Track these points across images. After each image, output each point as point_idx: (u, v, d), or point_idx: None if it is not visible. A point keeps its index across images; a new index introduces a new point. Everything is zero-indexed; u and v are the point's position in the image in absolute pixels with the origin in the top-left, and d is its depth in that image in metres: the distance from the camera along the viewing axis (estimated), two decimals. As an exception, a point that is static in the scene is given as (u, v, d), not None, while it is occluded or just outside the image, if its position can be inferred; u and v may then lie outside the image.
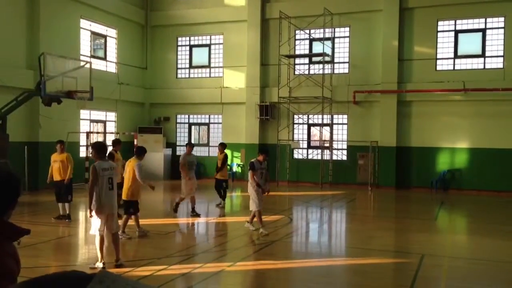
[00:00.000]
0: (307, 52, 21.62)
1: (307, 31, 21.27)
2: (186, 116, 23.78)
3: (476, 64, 19.28)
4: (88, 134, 19.74)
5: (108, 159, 8.27)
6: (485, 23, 19.10)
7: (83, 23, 20.30)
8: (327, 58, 20.69)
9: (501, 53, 18.83)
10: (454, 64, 19.55)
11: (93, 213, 7.57)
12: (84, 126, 20.38)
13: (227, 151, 15.45)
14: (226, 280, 7.58)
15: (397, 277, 7.89)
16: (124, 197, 9.67)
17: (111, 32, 22.08)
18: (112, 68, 22.14)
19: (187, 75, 23.80)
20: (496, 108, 18.65)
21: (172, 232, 10.97)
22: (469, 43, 19.57)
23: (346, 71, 20.95)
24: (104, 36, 21.79)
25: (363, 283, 7.37)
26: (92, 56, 20.66)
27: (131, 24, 23.03)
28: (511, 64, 18.55)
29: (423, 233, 11.09)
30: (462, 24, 19.44)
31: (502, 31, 18.81)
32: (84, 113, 20.31)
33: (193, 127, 23.82)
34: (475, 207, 16.00)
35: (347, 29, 20.92)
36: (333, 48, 21.04)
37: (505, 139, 18.49)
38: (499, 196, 17.85)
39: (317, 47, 21.29)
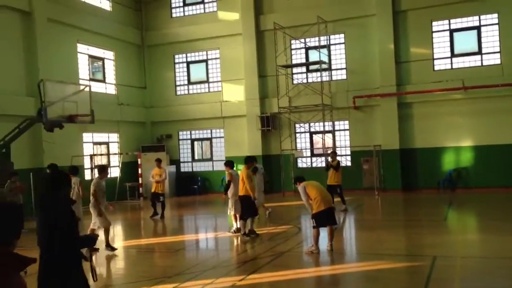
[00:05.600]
0: (303, 61, 21.70)
1: (303, 40, 21.37)
2: (188, 132, 23.83)
3: (473, 61, 19.30)
4: (91, 156, 19.79)
5: None
6: (479, 20, 19.16)
7: (80, 47, 20.46)
8: (324, 66, 20.75)
9: (498, 49, 18.85)
10: (451, 63, 19.56)
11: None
12: (88, 149, 20.43)
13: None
14: (238, 294, 7.53)
15: (410, 281, 7.81)
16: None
17: (109, 54, 22.24)
18: (111, 89, 22.26)
19: (186, 92, 23.89)
20: (497, 104, 18.61)
21: (182, 249, 10.92)
22: (465, 41, 19.62)
23: (344, 77, 20.99)
24: (102, 59, 21.95)
25: (376, 289, 7.30)
26: (91, 79, 20.80)
27: (127, 45, 23.20)
28: (508, 59, 18.57)
29: (433, 235, 11.00)
30: (457, 23, 19.50)
31: (496, 27, 18.85)
32: (86, 136, 20.40)
33: (195, 142, 23.86)
34: (483, 205, 15.89)
35: (342, 35, 21.00)
36: (329, 55, 21.11)
37: (508, 135, 18.43)
38: (507, 192, 17.73)
39: (314, 55, 21.36)
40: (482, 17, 19.09)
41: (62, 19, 19.13)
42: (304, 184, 9.75)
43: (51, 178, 4.50)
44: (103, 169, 10.79)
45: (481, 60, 19.19)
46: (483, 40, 19.14)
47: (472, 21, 19.28)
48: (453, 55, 19.55)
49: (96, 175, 11.20)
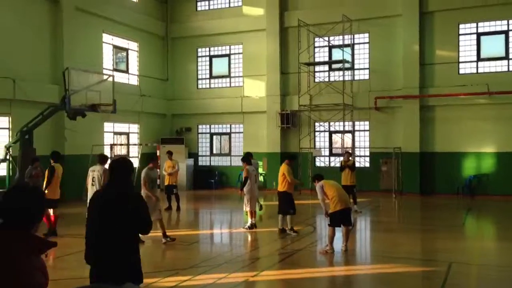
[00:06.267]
0: (326, 59, 21.57)
1: (326, 38, 21.24)
2: (208, 126, 23.92)
3: (500, 66, 18.94)
4: (112, 146, 20.02)
5: None
6: (508, 25, 18.78)
7: (106, 37, 20.68)
8: (347, 65, 20.60)
9: (526, 55, 18.46)
10: (477, 67, 19.23)
11: None
12: (108, 139, 20.68)
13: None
14: (251, 290, 7.55)
15: (424, 286, 7.74)
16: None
17: (133, 45, 22.43)
18: (134, 80, 22.47)
19: (207, 86, 23.97)
20: (522, 111, 18.26)
21: (196, 243, 10.99)
22: (492, 45, 19.25)
23: (367, 77, 20.81)
24: (126, 50, 22.15)
25: (389, 292, 7.25)
26: (115, 70, 21.01)
27: (151, 37, 23.37)
28: (536, 65, 18.16)
29: (450, 240, 10.87)
30: (484, 26, 19.15)
31: (526, 32, 18.47)
32: (107, 126, 20.63)
33: (214, 137, 23.95)
34: (503, 212, 15.63)
35: (367, 35, 20.81)
36: (352, 55, 20.94)
37: (533, 142, 18.06)
38: (528, 201, 17.39)
39: (337, 54, 21.23)
40: (511, 21, 18.71)
41: (89, 9, 19.37)
42: (322, 182, 9.72)
43: (128, 165, 4.34)
44: (153, 159, 10.80)
45: (508, 65, 18.82)
46: (510, 45, 18.76)
47: (500, 25, 18.91)
48: (479, 59, 19.21)
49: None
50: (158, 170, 11.98)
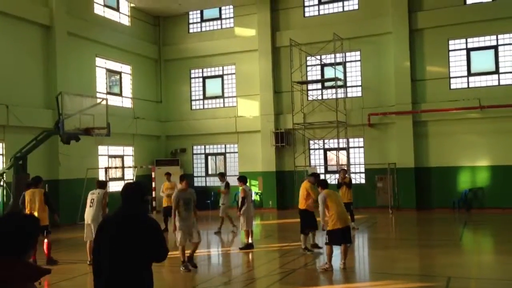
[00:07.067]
0: (319, 77, 21.74)
1: (318, 57, 21.44)
2: (202, 146, 23.92)
3: (490, 81, 19.15)
4: (106, 169, 19.94)
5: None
6: (497, 39, 19.05)
7: (99, 61, 20.78)
8: (339, 83, 20.77)
9: (515, 69, 18.68)
10: (468, 82, 19.43)
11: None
12: (103, 162, 20.60)
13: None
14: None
15: (424, 302, 7.68)
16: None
17: (126, 68, 22.54)
18: (127, 103, 22.51)
19: (201, 106, 24.05)
20: (514, 124, 18.40)
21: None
22: (482, 60, 19.49)
23: (359, 94, 20.97)
24: (119, 73, 22.24)
25: (389, 309, 7.19)
26: (108, 93, 21.06)
27: (145, 60, 23.50)
28: (526, 79, 18.37)
29: (448, 255, 10.82)
30: (474, 42, 19.41)
31: (514, 46, 18.72)
32: (102, 149, 20.58)
33: (209, 157, 23.93)
34: (499, 225, 15.63)
35: (358, 53, 21.03)
36: (345, 72, 21.14)
37: (526, 155, 18.16)
38: (524, 213, 17.40)
39: (329, 72, 21.41)
40: (500, 36, 18.98)
41: (81, 33, 19.49)
42: (325, 193, 9.60)
43: (137, 189, 4.15)
44: (182, 179, 10.29)
45: (498, 79, 19.03)
46: (500, 59, 19.00)
47: (490, 40, 19.18)
48: (469, 74, 19.43)
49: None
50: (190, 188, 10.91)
